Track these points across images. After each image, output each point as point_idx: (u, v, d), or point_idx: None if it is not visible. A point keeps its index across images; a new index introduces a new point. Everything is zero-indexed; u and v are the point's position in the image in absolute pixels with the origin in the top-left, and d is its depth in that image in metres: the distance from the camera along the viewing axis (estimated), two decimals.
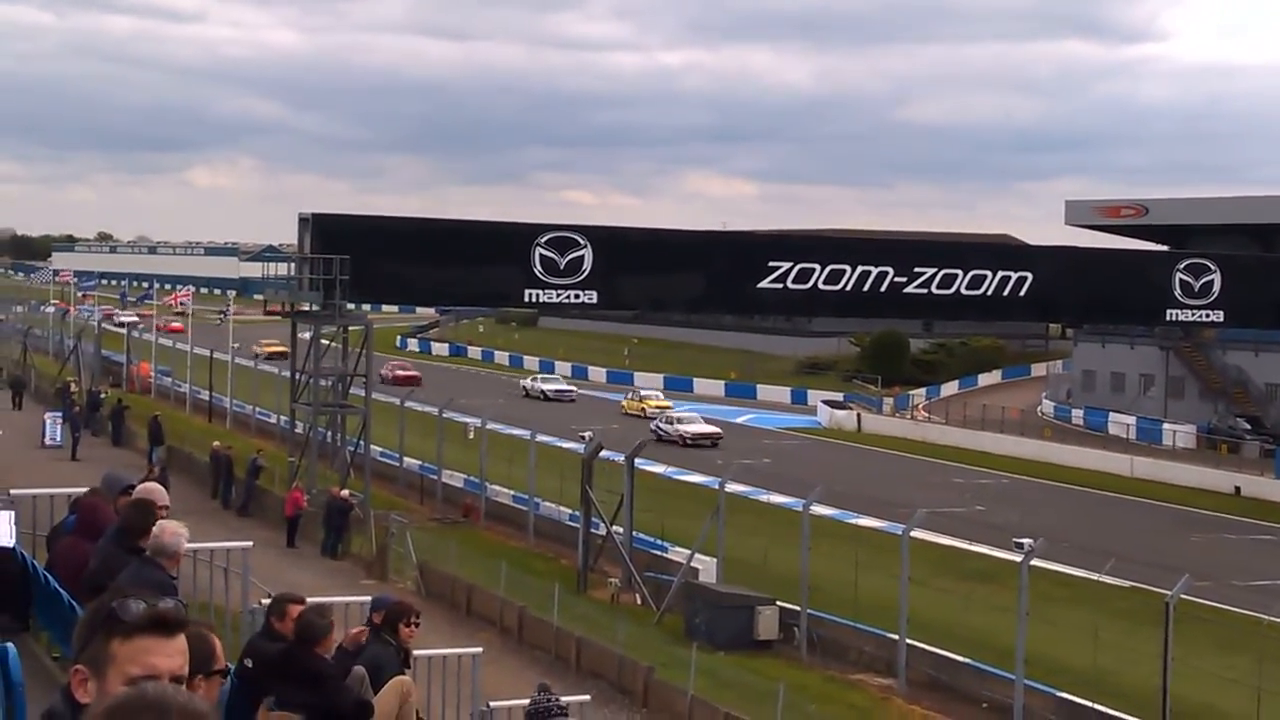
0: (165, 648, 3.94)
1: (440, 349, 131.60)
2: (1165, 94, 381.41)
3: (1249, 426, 78.73)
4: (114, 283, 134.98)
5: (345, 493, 45.04)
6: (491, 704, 15.63)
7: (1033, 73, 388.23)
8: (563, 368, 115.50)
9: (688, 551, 41.18)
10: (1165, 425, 79.82)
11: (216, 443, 53.53)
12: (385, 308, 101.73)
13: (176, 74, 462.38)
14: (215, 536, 21.78)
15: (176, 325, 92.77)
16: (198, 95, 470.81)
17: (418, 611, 12.84)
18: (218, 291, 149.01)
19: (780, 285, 52.57)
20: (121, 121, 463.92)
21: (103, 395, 68.30)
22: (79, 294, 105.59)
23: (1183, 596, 30.38)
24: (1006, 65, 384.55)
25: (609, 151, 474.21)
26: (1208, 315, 59.50)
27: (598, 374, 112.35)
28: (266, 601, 12.92)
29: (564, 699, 14.28)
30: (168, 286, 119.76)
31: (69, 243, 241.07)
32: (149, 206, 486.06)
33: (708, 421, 76.24)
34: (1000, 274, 54.99)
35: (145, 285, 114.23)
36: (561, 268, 49.20)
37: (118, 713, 3.30)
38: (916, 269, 54.15)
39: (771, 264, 52.61)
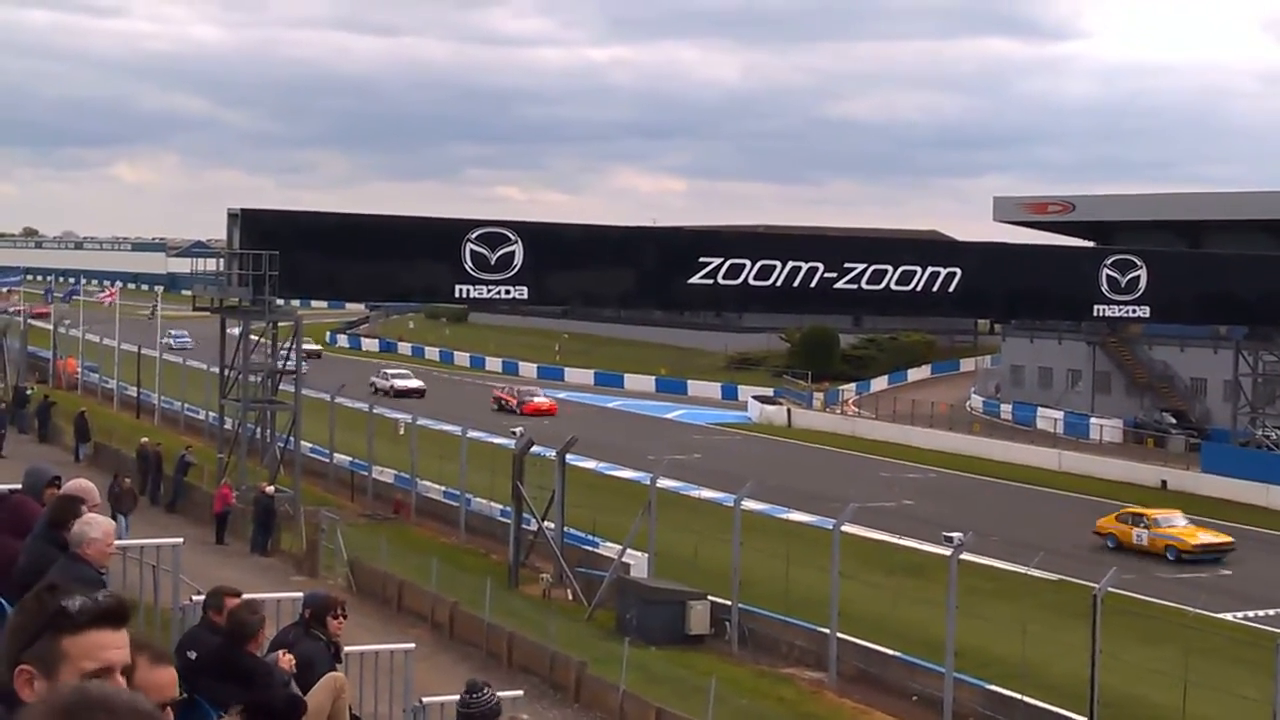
0: (116, 640, 3.92)
1: (370, 345, 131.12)
2: (1088, 91, 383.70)
3: (1174, 421, 79.51)
4: (40, 278, 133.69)
5: (269, 488, 44.85)
6: (424, 700, 15.61)
7: (958, 70, 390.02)
8: (493, 363, 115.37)
9: (619, 547, 41.23)
10: (1092, 420, 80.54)
11: (144, 439, 53.16)
12: (315, 303, 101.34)
13: (99, 69, 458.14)
14: (144, 533, 21.65)
15: None
16: (121, 90, 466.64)
17: (343, 603, 12.80)
18: (145, 287, 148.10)
19: (711, 281, 52.63)
20: (45, 116, 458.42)
21: (29, 391, 67.71)
22: (2, 289, 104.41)
23: (1110, 589, 30.65)
24: (933, 63, 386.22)
25: (537, 147, 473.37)
26: (1134, 311, 60.00)
27: (528, 369, 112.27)
28: (199, 597, 12.86)
29: (499, 693, 14.31)
30: (94, 282, 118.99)
31: None
32: (75, 202, 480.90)
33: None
34: (929, 270, 55.25)
35: (71, 281, 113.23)
36: (492, 263, 49.11)
37: (67, 714, 3.27)
38: (846, 265, 54.35)
39: (702, 260, 52.66)
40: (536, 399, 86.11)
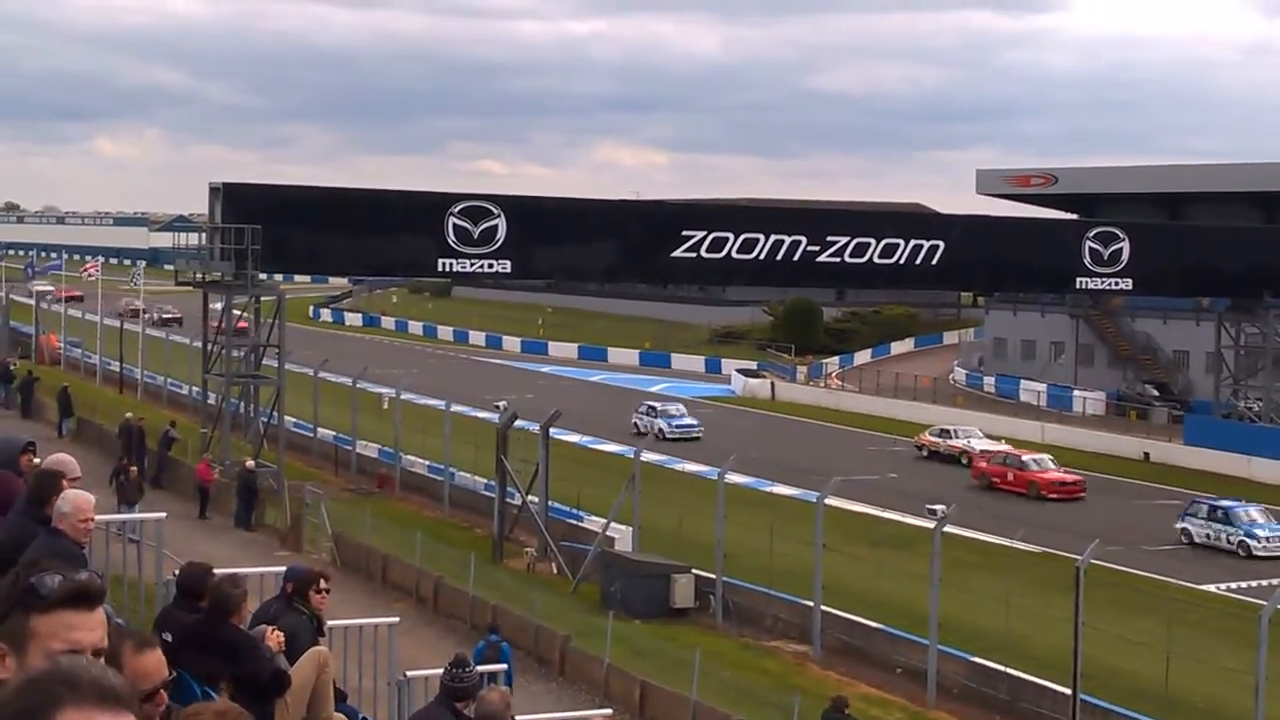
0: (87, 621, 3.89)
1: (354, 319, 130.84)
2: (1071, 63, 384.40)
3: (1157, 393, 79.65)
4: (21, 253, 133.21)
5: (250, 463, 44.83)
6: (409, 673, 15.56)
7: (940, 43, 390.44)
8: (477, 337, 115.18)
9: (603, 520, 41.26)
10: (1075, 392, 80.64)
11: (128, 414, 53.00)
12: (298, 278, 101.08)
13: (79, 42, 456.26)
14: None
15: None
16: (101, 64, 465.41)
17: (327, 576, 12.75)
18: (127, 262, 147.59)
19: (694, 254, 52.61)
20: (25, 90, 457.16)
21: (12, 367, 67.45)
22: None
23: (1093, 562, 30.69)
24: (913, 35, 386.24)
25: (520, 121, 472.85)
26: (1116, 283, 60.07)
27: (512, 344, 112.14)
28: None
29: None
30: (76, 257, 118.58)
31: None
32: (56, 176, 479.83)
33: None
34: (912, 243, 55.24)
35: (53, 256, 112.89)
36: (475, 237, 49.02)
37: (30, 687, 3.25)
38: (829, 238, 54.33)
39: (685, 233, 52.63)
40: None
